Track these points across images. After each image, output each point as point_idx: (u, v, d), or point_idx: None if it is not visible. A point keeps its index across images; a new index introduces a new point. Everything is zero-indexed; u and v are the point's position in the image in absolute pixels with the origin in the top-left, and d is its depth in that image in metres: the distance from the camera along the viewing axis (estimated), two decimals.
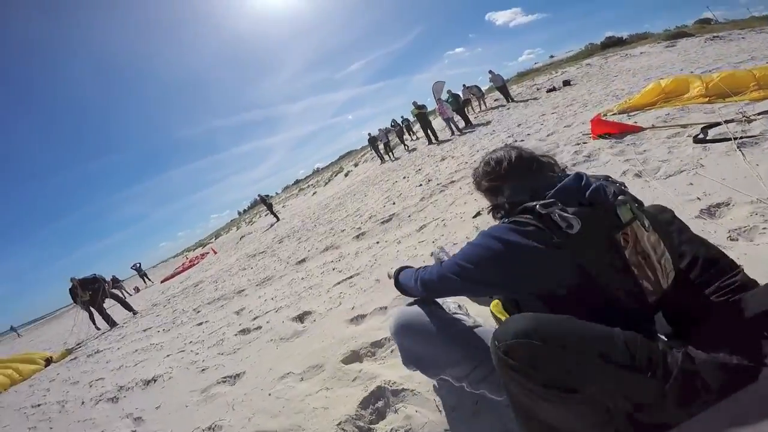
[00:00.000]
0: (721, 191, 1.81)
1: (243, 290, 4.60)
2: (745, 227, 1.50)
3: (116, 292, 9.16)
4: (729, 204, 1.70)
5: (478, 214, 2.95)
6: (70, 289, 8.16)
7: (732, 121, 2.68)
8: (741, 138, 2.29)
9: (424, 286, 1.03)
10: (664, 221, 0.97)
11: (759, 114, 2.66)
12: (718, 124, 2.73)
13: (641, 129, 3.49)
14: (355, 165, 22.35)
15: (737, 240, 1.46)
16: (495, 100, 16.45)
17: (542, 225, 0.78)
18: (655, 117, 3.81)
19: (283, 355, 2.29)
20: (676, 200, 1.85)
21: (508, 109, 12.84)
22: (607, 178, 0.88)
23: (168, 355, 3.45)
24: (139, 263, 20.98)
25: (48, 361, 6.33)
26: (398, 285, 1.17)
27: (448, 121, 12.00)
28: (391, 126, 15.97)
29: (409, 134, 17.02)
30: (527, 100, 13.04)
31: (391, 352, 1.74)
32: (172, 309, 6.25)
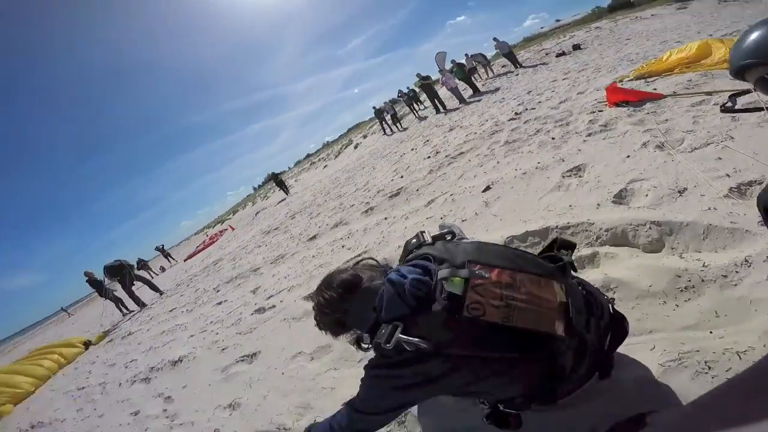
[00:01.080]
0: (753, 167, 1.60)
1: (258, 268, 4.65)
2: None
3: (142, 274, 9.24)
4: (762, 182, 1.50)
5: (488, 188, 2.80)
6: (87, 281, 8.35)
7: None
8: None
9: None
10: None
11: None
12: (748, 91, 2.45)
13: (662, 96, 3.19)
14: (364, 137, 21.94)
15: None
16: (503, 66, 15.61)
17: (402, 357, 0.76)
18: (676, 84, 3.47)
19: (295, 335, 2.33)
20: (702, 176, 1.67)
21: (517, 75, 12.17)
22: (419, 245, 0.89)
23: (192, 336, 3.56)
24: (163, 245, 21.79)
25: (87, 345, 6.70)
26: None
27: (454, 90, 11.49)
28: (398, 96, 15.44)
29: (416, 105, 16.45)
30: (536, 66, 12.30)
31: None
32: (194, 289, 6.40)
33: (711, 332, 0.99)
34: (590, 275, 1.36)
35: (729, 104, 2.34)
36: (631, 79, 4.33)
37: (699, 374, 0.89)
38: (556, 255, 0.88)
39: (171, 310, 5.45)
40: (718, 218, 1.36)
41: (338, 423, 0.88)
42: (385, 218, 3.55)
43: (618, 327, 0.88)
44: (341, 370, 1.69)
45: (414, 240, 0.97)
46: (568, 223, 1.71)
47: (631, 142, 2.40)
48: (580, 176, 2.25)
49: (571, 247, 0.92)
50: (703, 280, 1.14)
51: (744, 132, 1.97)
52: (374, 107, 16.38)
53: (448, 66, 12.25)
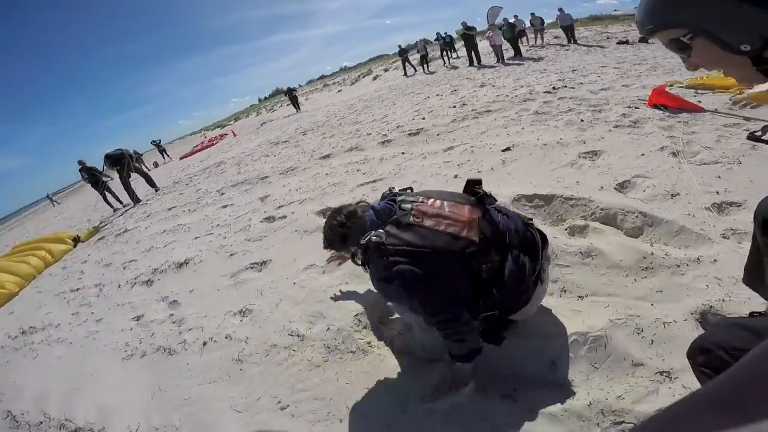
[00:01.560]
0: (743, 192, 1.81)
1: (267, 177, 4.73)
2: (741, 231, 1.53)
3: (140, 166, 8.67)
4: (741, 205, 1.72)
5: (508, 149, 2.99)
6: (80, 169, 7.86)
7: None
8: None
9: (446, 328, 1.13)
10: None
11: None
12: None
13: (701, 110, 3.24)
14: (385, 70, 20.94)
15: (728, 239, 1.51)
16: (555, 38, 14.64)
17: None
18: (723, 102, 3.44)
19: (306, 247, 2.42)
20: (696, 187, 1.91)
21: (567, 50, 11.55)
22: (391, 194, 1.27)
23: (196, 237, 3.59)
24: (159, 139, 21.32)
25: (76, 241, 6.14)
26: (461, 351, 1.15)
27: (496, 48, 10.97)
28: (435, 39, 14.61)
29: (450, 52, 15.63)
30: (591, 46, 11.65)
31: None
32: (195, 188, 6.30)
33: (652, 304, 1.29)
34: (577, 241, 1.65)
35: (758, 133, 2.48)
36: (683, 86, 4.26)
37: (633, 334, 1.19)
38: (475, 190, 1.23)
39: (170, 209, 5.36)
40: (692, 223, 1.62)
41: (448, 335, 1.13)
42: (402, 153, 3.71)
43: (541, 234, 1.23)
44: (351, 285, 1.86)
45: (387, 191, 1.32)
46: (572, 195, 1.97)
47: (651, 142, 2.58)
48: (593, 160, 2.46)
49: (478, 183, 1.27)
50: (660, 265, 1.43)
51: (754, 160, 2.14)
52: (399, 46, 15.58)
53: (498, 22, 11.56)
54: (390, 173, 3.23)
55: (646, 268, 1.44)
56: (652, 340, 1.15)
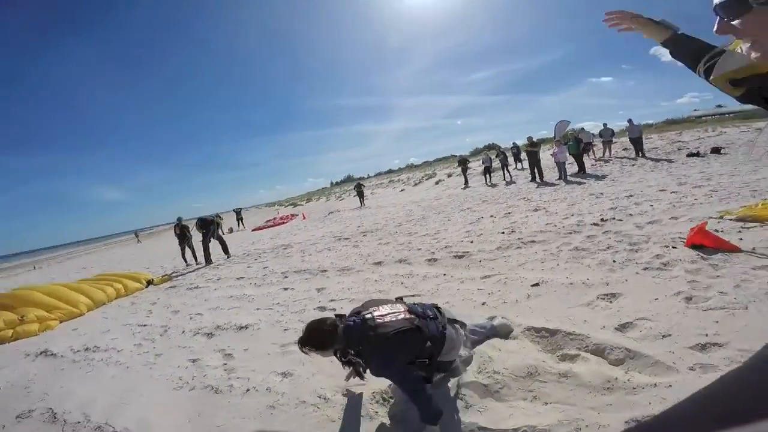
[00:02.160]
0: (730, 335, 2.11)
1: (326, 271, 5.66)
2: (708, 365, 1.90)
3: (220, 233, 10.19)
4: (723, 346, 2.03)
5: (536, 284, 3.46)
6: (176, 225, 9.76)
7: None
8: None
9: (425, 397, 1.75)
10: None
11: None
12: None
13: (737, 250, 3.43)
14: (448, 176, 22.87)
15: (693, 371, 1.88)
16: (624, 149, 15.31)
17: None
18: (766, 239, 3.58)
19: None
20: (689, 330, 2.24)
21: (633, 164, 12.08)
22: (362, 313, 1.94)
23: (258, 309, 4.35)
24: (240, 208, 25.06)
25: (149, 283, 7.55)
26: (435, 418, 1.72)
27: (560, 165, 11.88)
28: (496, 155, 16.14)
29: (515, 162, 16.96)
30: (659, 161, 12.05)
31: None
32: (262, 265, 7.43)
33: (598, 413, 1.71)
34: (561, 366, 2.12)
35: None
36: (732, 218, 4.42)
37: (573, 430, 1.64)
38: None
39: (239, 278, 6.41)
40: (668, 358, 2.00)
41: (418, 404, 1.73)
42: (444, 274, 4.36)
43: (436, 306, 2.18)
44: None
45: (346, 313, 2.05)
46: (574, 331, 2.43)
47: (670, 287, 2.92)
48: (610, 301, 2.88)
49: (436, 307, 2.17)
50: (620, 387, 1.86)
51: (765, 306, 2.35)
52: (460, 156, 17.49)
53: (562, 136, 12.67)
54: (428, 291, 3.87)
55: (608, 388, 1.88)
56: None
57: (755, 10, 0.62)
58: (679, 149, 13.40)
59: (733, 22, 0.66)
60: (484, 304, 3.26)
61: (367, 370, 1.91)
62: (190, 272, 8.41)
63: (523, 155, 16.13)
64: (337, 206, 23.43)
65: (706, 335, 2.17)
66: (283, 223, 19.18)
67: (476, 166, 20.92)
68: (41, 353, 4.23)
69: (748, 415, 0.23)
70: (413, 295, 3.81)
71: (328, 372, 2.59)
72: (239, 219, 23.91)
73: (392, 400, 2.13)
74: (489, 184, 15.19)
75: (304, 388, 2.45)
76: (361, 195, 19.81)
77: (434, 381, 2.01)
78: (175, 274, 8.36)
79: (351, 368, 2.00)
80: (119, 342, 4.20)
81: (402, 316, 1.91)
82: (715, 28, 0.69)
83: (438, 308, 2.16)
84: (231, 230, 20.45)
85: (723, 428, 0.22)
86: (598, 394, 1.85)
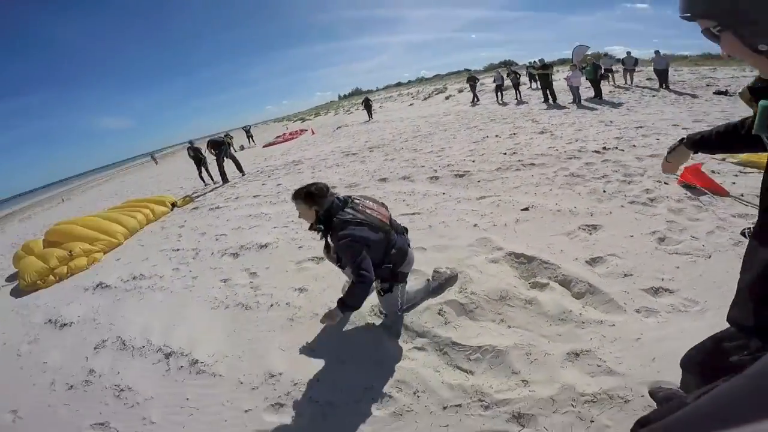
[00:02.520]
0: (683, 282, 2.20)
1: (334, 188, 5.81)
2: (652, 309, 2.03)
3: (233, 153, 10.18)
4: (674, 293, 2.13)
5: (527, 209, 3.62)
6: (188, 148, 9.79)
7: None
8: None
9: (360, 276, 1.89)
10: None
11: None
12: None
13: (726, 194, 3.42)
14: (459, 91, 21.60)
15: (638, 313, 2.04)
16: (648, 79, 14.10)
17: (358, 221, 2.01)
18: (757, 187, 3.56)
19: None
20: (648, 273, 2.37)
21: (653, 96, 11.23)
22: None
23: (275, 227, 4.64)
24: (249, 126, 24.48)
25: (173, 205, 7.70)
26: (354, 300, 1.92)
27: (573, 89, 11.15)
28: (508, 73, 14.99)
29: (530, 81, 15.87)
30: (683, 95, 11.15)
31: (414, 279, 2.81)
32: (275, 183, 7.59)
33: (548, 341, 1.95)
34: (530, 293, 2.35)
35: (747, 230, 2.75)
36: (735, 162, 4.25)
37: (523, 354, 1.89)
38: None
39: (255, 196, 6.63)
40: (621, 298, 2.16)
41: (354, 276, 1.92)
42: (443, 193, 4.47)
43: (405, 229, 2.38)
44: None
45: (344, 195, 2.20)
46: (549, 260, 2.61)
47: (648, 224, 3.02)
48: (589, 233, 3.02)
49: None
50: (572, 320, 2.07)
51: (725, 258, 2.39)
52: (469, 71, 16.28)
53: (579, 61, 11.74)
54: (427, 210, 4.04)
55: (562, 319, 2.11)
56: (532, 362, 1.86)
57: (721, 36, 0.65)
58: (707, 85, 12.17)
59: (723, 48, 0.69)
60: (475, 226, 3.42)
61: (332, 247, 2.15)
62: (208, 192, 8.59)
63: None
64: (345, 120, 22.69)
65: (662, 279, 2.25)
66: (293, 138, 18.80)
67: (489, 82, 19.60)
68: (97, 286, 4.54)
69: (748, 415, 0.22)
70: (413, 213, 4.03)
71: (336, 287, 2.88)
72: (249, 136, 23.48)
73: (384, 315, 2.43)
74: (500, 102, 14.43)
75: (317, 301, 2.80)
76: (369, 108, 19.09)
77: (397, 289, 2.24)
78: (195, 195, 8.53)
79: (324, 243, 2.26)
80: (159, 268, 4.50)
81: (379, 217, 2.12)
82: (721, 54, 0.73)
83: (406, 230, 2.41)
84: (242, 147, 20.15)
85: (723, 428, 0.22)
86: (553, 324, 2.07)
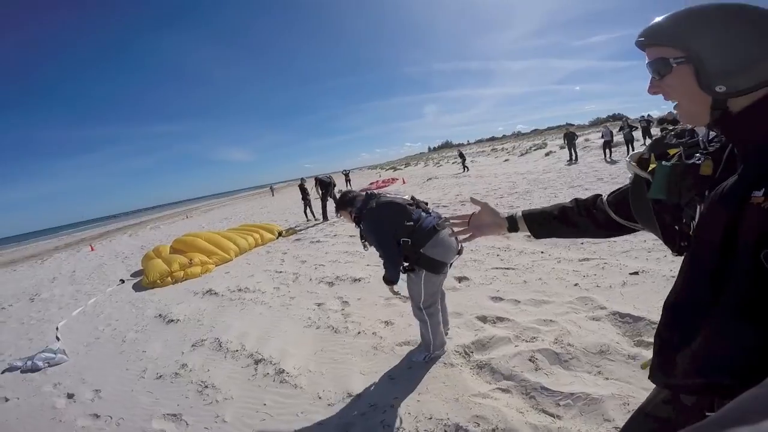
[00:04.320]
0: None
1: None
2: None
3: (336, 195, 10.95)
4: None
5: (636, 273, 3.31)
6: (299, 185, 11.00)
7: None
8: None
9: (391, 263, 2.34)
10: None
11: None
12: None
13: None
14: (561, 147, 20.67)
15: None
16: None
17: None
18: None
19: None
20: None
21: None
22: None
23: (368, 265, 4.99)
24: (348, 170, 27.13)
25: (280, 234, 8.65)
26: (388, 274, 2.39)
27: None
28: (621, 127, 14.08)
29: (644, 137, 14.65)
30: None
31: (505, 326, 2.84)
32: None
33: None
34: (633, 350, 2.17)
35: None
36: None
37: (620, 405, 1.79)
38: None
39: (351, 236, 7.12)
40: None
41: (379, 254, 2.39)
42: (542, 252, 4.26)
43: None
44: (459, 330, 2.91)
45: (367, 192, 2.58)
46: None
47: None
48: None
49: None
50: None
51: None
52: (567, 128, 15.81)
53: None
54: (523, 266, 3.93)
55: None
56: (629, 411, 1.75)
57: (675, 69, 0.63)
58: None
59: (661, 82, 0.66)
60: (576, 285, 3.30)
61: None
62: (310, 227, 9.51)
63: (655, 131, 13.81)
64: (434, 173, 23.42)
65: None
66: (385, 186, 20.10)
67: (595, 138, 18.56)
68: (207, 292, 5.14)
69: (748, 415, 0.22)
70: (506, 268, 4.05)
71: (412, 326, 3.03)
72: (347, 180, 25.64)
73: (473, 354, 2.54)
74: (608, 160, 13.47)
75: (402, 335, 2.97)
76: (464, 161, 20.03)
77: (421, 275, 2.34)
78: (299, 228, 9.52)
79: (359, 234, 2.55)
80: (262, 285, 4.99)
81: (400, 197, 2.48)
82: (648, 88, 0.69)
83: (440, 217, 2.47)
84: (340, 191, 22.08)
85: (723, 428, 0.22)
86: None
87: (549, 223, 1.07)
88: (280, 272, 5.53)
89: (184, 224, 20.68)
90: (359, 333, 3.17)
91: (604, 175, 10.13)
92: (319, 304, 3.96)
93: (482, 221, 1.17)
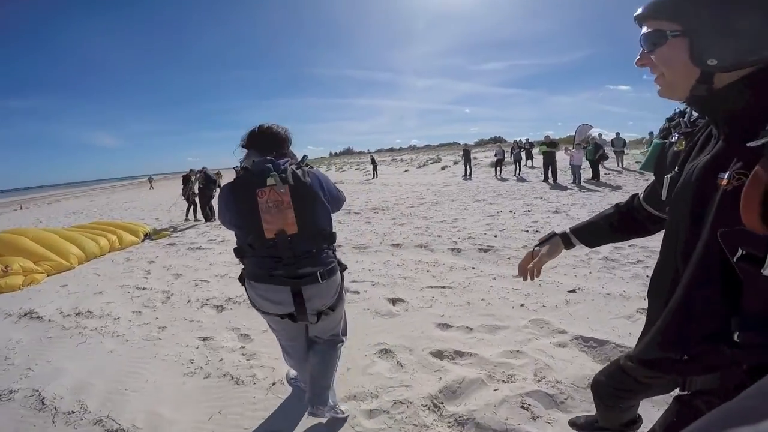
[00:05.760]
0: None
1: (341, 246, 5.39)
2: None
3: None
4: None
5: (573, 291, 3.36)
6: (183, 176, 9.53)
7: None
8: None
9: None
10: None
11: None
12: None
13: None
14: (455, 163, 22.56)
15: None
16: (636, 162, 15.20)
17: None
18: None
19: (378, 328, 2.89)
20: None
21: (647, 180, 11.99)
22: (286, 161, 1.68)
23: None
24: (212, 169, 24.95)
25: (146, 236, 6.98)
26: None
27: (575, 168, 11.74)
28: (518, 145, 15.89)
29: (526, 160, 16.82)
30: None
31: (469, 363, 2.42)
32: None
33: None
34: None
35: None
36: None
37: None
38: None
39: None
40: None
41: None
42: (473, 268, 4.17)
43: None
44: (416, 374, 2.41)
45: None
46: (622, 344, 2.32)
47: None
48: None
49: None
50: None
51: None
52: (465, 146, 17.68)
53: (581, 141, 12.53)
54: (459, 285, 3.69)
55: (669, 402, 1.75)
56: None
57: (669, 41, 0.64)
58: None
59: (651, 55, 0.68)
60: (522, 306, 3.13)
61: None
62: (188, 229, 8.05)
63: (536, 151, 15.99)
64: (339, 178, 23.07)
65: None
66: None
67: (482, 157, 20.69)
68: (26, 314, 3.77)
69: (748, 415, 0.22)
70: (443, 287, 3.70)
71: (360, 366, 2.46)
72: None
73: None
74: (499, 177, 15.05)
75: (342, 385, 2.20)
76: (375, 168, 21.17)
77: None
78: (172, 230, 7.92)
79: None
80: (115, 308, 3.71)
81: None
82: (635, 60, 0.71)
83: None
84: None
85: (723, 428, 0.22)
86: (660, 408, 1.72)
87: (600, 231, 1.19)
88: (144, 289, 4.24)
89: (15, 217, 16.18)
90: (274, 384, 2.29)
91: (501, 191, 11.16)
92: (204, 339, 2.90)
93: (540, 251, 1.24)
